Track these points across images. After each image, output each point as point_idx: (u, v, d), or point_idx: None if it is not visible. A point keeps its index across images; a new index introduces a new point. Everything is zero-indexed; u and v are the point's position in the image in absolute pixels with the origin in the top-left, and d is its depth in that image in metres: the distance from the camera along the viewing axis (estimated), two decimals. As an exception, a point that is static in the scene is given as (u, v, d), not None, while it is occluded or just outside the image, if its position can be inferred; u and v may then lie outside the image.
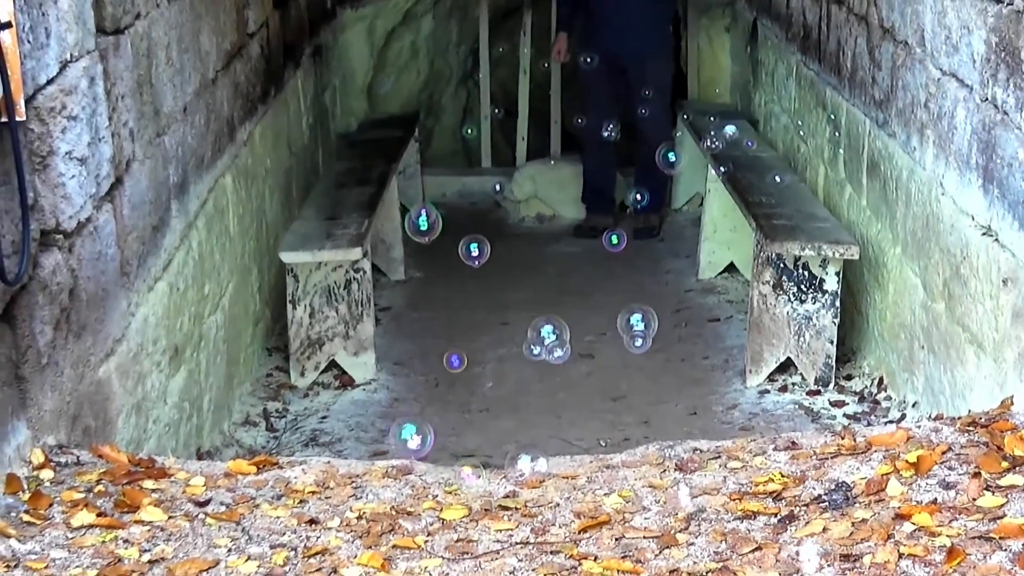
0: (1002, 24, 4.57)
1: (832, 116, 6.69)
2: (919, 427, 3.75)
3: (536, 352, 4.52)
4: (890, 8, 6.03)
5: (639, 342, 4.70)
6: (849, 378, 6.53)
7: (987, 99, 4.76)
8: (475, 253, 4.98)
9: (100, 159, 4.26)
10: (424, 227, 4.96)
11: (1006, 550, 3.03)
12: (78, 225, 4.05)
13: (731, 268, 8.27)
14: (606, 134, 8.32)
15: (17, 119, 3.48)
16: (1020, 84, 4.40)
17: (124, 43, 4.59)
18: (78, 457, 3.72)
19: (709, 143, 7.04)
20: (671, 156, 6.19)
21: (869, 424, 5.83)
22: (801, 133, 7.89)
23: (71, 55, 4.04)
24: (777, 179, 6.95)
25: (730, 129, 6.88)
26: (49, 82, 3.85)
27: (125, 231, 4.51)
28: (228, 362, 6.04)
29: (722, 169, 7.31)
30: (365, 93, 10.48)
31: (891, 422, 5.73)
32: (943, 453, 3.52)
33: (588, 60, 8.56)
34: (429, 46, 11.01)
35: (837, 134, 7.00)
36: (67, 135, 3.97)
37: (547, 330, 4.52)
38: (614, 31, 8.85)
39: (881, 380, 6.28)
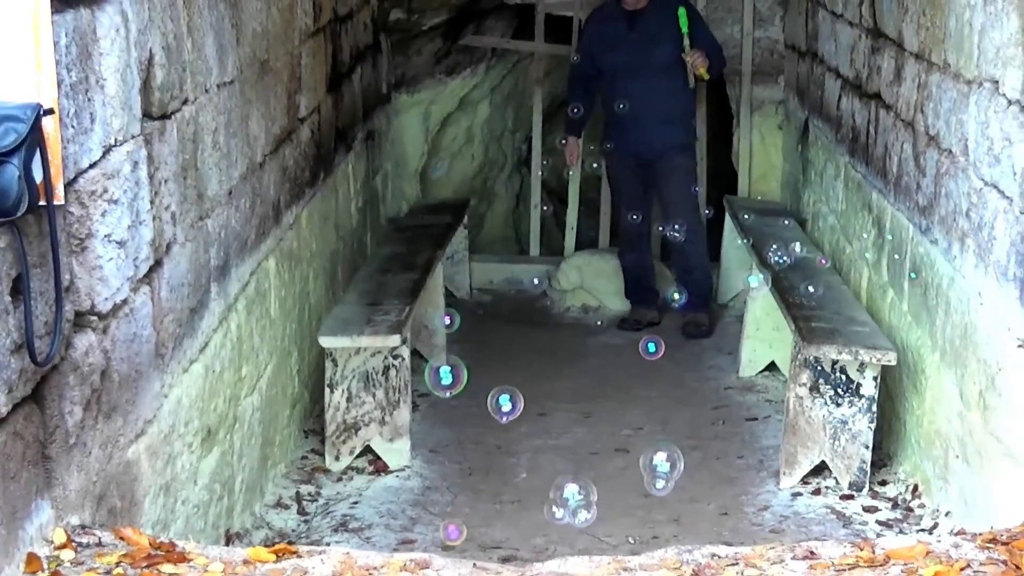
0: (1041, 138, 4.59)
1: (890, 236, 6.70)
2: (939, 541, 3.73)
3: (559, 516, 4.31)
4: (936, 116, 6.05)
5: (660, 484, 4.58)
6: (884, 484, 6.49)
7: (1025, 212, 4.77)
8: (506, 408, 4.75)
9: (139, 242, 4.33)
10: (447, 381, 4.86)
11: (1018, 673, 3.01)
12: (114, 307, 4.10)
13: (772, 367, 8.26)
14: (638, 228, 8.42)
15: (56, 203, 3.55)
16: (1057, 199, 4.41)
17: (170, 128, 4.67)
18: (100, 538, 3.76)
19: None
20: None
21: (901, 531, 5.79)
22: (847, 234, 7.90)
23: (115, 139, 4.11)
24: (810, 289, 6.96)
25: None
26: (92, 166, 3.92)
27: (162, 313, 4.57)
28: (263, 443, 6.08)
29: (762, 276, 7.33)
30: (418, 177, 10.59)
31: (923, 530, 5.70)
32: (961, 570, 3.50)
33: (607, 147, 9.02)
34: (484, 132, 11.12)
35: (881, 239, 7.01)
36: (107, 218, 4.04)
37: (571, 491, 4.31)
38: (635, 129, 8.95)
39: (916, 487, 6.24)
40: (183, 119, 4.83)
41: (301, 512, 6.20)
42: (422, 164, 10.63)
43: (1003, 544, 3.64)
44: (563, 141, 9.59)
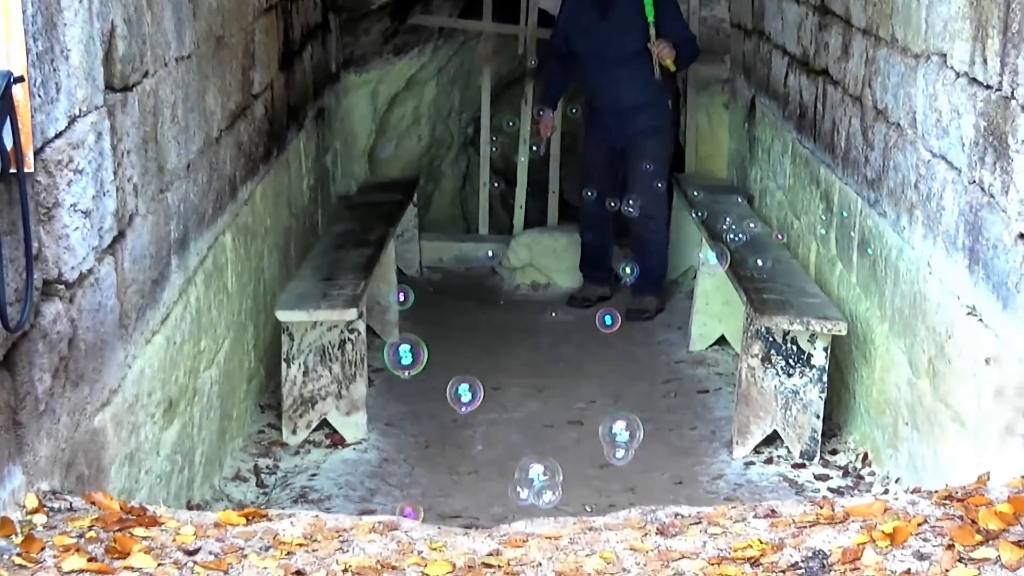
0: (990, 109, 4.69)
1: (845, 214, 6.77)
2: (896, 499, 3.82)
3: (524, 496, 4.27)
4: (884, 90, 6.15)
5: (620, 453, 4.59)
6: (834, 452, 6.60)
7: (974, 181, 4.87)
8: (465, 399, 4.65)
9: (104, 212, 4.36)
10: (407, 361, 4.75)
11: (976, 621, 3.10)
12: (80, 276, 4.13)
13: (722, 341, 8.37)
14: (604, 210, 8.47)
15: (25, 171, 3.57)
16: (1006, 168, 4.50)
17: (132, 100, 4.70)
18: (71, 503, 3.79)
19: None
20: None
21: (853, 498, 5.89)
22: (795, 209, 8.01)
23: (80, 110, 4.14)
24: (760, 262, 7.05)
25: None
26: (57, 135, 3.94)
27: (125, 284, 4.60)
28: (222, 417, 6.11)
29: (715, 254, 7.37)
30: (366, 156, 10.61)
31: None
32: (919, 525, 3.59)
33: (574, 111, 9.10)
34: (431, 112, 11.15)
35: (829, 213, 7.11)
36: (72, 188, 4.07)
37: (536, 471, 4.28)
38: (608, 115, 9.02)
39: (866, 455, 6.35)
40: (144, 91, 4.86)
41: (260, 485, 6.24)
42: (370, 143, 10.65)
43: (958, 500, 3.73)
44: (540, 112, 9.57)
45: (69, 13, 4.04)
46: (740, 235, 7.35)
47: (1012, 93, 4.47)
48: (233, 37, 6.37)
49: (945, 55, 5.26)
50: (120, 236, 4.55)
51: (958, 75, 5.10)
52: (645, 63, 8.91)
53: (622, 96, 8.96)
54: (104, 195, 4.36)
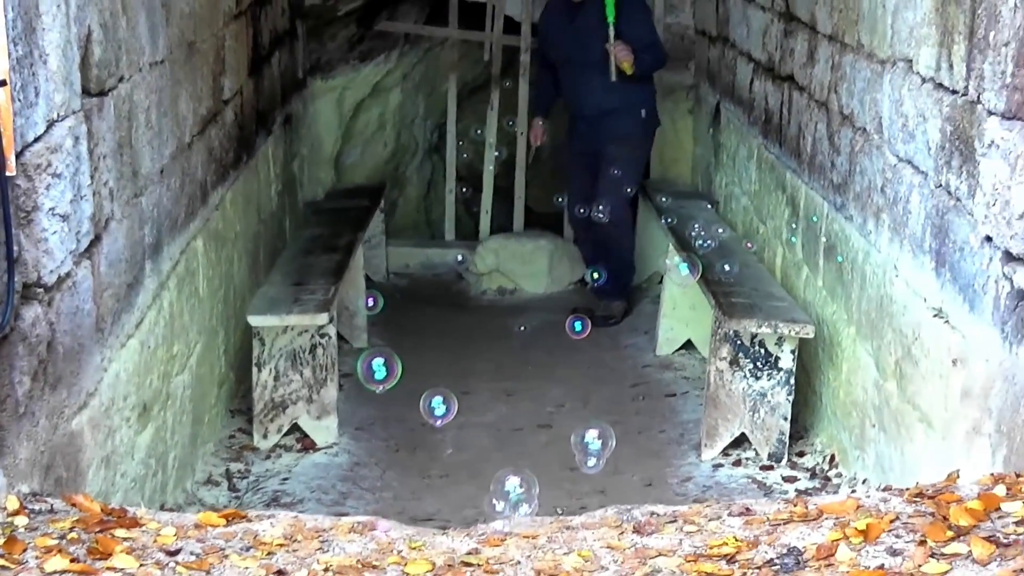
0: (956, 113, 4.76)
1: (813, 219, 6.82)
2: (868, 497, 3.88)
3: (500, 509, 4.23)
4: (850, 95, 6.22)
5: (592, 462, 4.57)
6: (801, 454, 6.67)
7: (940, 185, 4.94)
8: (439, 412, 4.60)
9: (81, 216, 4.38)
10: (381, 375, 4.70)
11: (949, 615, 3.15)
12: (58, 280, 4.15)
13: (688, 345, 8.43)
14: (589, 215, 8.48)
15: (8, 174, 3.60)
16: (972, 171, 4.57)
17: (108, 105, 4.72)
18: (52, 505, 3.81)
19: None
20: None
21: (821, 499, 5.95)
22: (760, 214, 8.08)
23: (58, 114, 4.16)
24: (727, 268, 7.11)
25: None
26: (36, 139, 3.96)
27: (101, 287, 4.62)
28: (194, 421, 6.13)
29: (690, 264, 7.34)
30: (332, 163, 10.64)
31: (842, 497, 5.86)
32: (891, 522, 3.64)
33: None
34: (396, 119, 11.19)
35: (795, 217, 7.18)
36: (51, 192, 4.09)
37: (512, 484, 4.23)
38: (581, 122, 9.07)
39: (833, 457, 6.42)
40: (119, 96, 4.89)
41: (232, 489, 6.26)
42: (336, 150, 10.68)
43: (930, 498, 3.79)
44: (531, 120, 9.69)
45: (48, 18, 4.06)
46: (709, 242, 7.42)
47: (978, 98, 4.54)
48: (204, 43, 6.40)
49: (911, 61, 5.33)
50: (96, 240, 4.57)
51: (924, 80, 5.17)
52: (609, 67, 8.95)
53: (590, 101, 9.00)
54: (81, 199, 4.38)
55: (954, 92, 4.81)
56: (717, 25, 9.59)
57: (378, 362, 4.75)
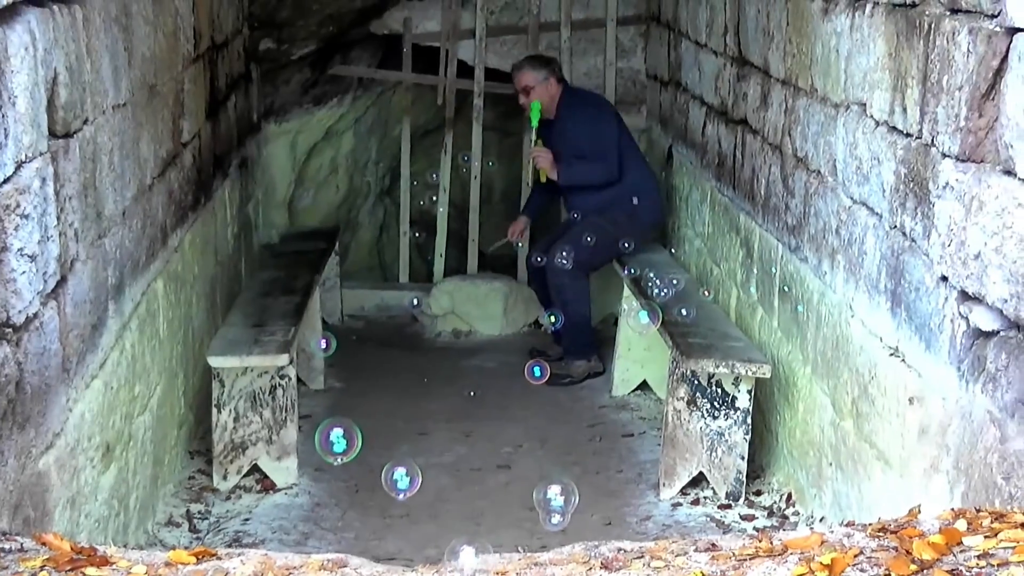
0: (910, 156, 4.84)
1: (767, 262, 6.87)
2: (832, 532, 3.93)
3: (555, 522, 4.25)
4: (804, 139, 6.31)
5: (556, 519, 4.48)
6: (759, 493, 6.73)
7: (895, 226, 5.02)
8: (402, 485, 4.42)
9: (48, 257, 4.39)
10: (340, 448, 4.54)
11: (915, 646, 3.20)
12: (26, 320, 4.16)
13: (644, 386, 8.49)
14: (543, 262, 8.50)
15: (-20, 214, 3.62)
16: (927, 213, 4.66)
17: (73, 146, 4.74)
18: (22, 544, 3.81)
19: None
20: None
21: (778, 537, 6.00)
22: (715, 256, 8.16)
23: (26, 156, 4.18)
24: (684, 312, 7.18)
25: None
26: (6, 181, 3.98)
27: (67, 328, 4.63)
28: (154, 462, 6.13)
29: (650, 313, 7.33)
30: (286, 206, 10.66)
31: (800, 535, 5.92)
32: (855, 556, 3.69)
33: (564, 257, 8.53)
34: (348, 162, 11.24)
35: (750, 260, 7.26)
36: (20, 232, 4.10)
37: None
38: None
39: (790, 496, 6.48)
40: (84, 138, 4.91)
41: (192, 530, 6.26)
42: (290, 193, 10.71)
43: (892, 532, 3.85)
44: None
45: (16, 60, 4.08)
46: (667, 291, 7.50)
47: (932, 140, 4.62)
48: (164, 86, 6.43)
49: (865, 104, 5.43)
50: (63, 281, 4.59)
51: (878, 124, 5.26)
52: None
53: (574, 203, 9.06)
54: (48, 240, 4.40)
55: (908, 135, 4.90)
56: (669, 70, 9.70)
57: (337, 433, 4.62)
